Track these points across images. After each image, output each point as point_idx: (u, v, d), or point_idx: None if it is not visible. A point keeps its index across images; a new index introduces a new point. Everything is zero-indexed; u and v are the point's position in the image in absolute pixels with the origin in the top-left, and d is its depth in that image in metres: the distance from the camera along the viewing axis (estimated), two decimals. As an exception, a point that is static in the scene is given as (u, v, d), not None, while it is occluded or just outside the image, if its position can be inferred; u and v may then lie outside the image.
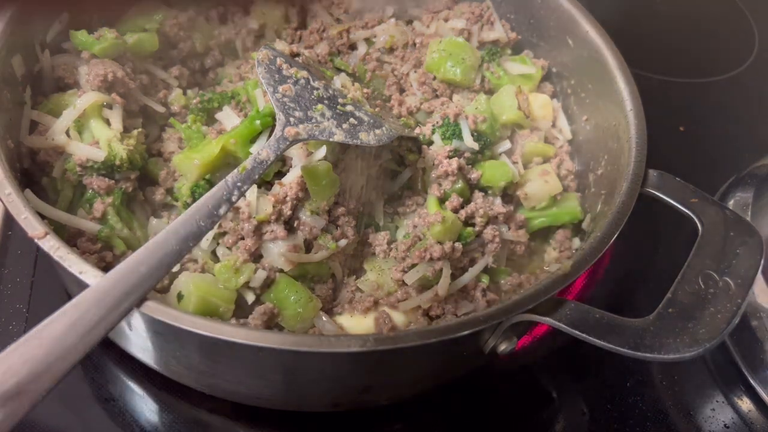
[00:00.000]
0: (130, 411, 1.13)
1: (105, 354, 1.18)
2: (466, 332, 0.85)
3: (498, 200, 1.23)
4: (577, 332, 0.91)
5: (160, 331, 0.91)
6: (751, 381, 1.26)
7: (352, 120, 1.10)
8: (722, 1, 2.10)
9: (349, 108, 1.12)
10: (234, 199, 0.95)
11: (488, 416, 1.19)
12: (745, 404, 1.26)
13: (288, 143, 1.02)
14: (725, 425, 1.23)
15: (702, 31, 1.93)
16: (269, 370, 0.93)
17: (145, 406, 1.13)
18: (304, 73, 1.12)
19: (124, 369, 1.16)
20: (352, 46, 1.39)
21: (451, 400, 1.19)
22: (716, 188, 1.54)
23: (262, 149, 1.00)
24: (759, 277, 1.06)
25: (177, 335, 0.89)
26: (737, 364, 1.26)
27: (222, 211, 0.93)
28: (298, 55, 1.21)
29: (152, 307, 0.83)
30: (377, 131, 1.11)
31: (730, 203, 1.44)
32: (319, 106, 1.09)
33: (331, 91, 1.13)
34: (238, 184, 0.96)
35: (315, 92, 1.11)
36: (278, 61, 1.11)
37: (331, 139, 1.05)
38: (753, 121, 1.79)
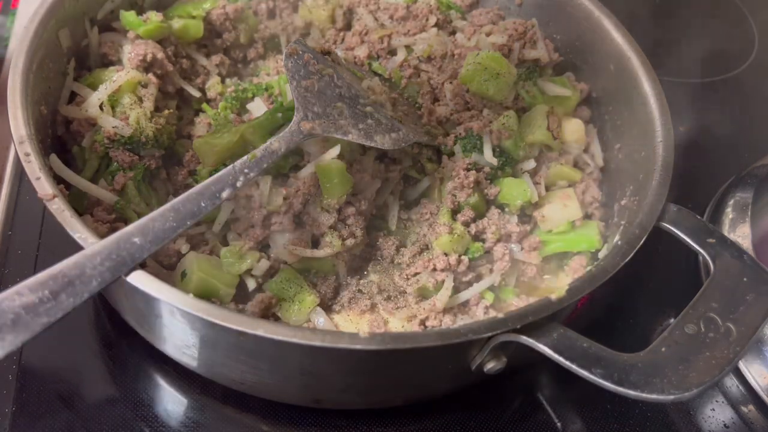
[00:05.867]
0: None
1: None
2: (440, 343, 0.84)
3: (514, 219, 1.21)
4: (561, 359, 0.88)
5: (148, 302, 0.93)
6: (751, 381, 1.23)
7: (369, 121, 1.11)
8: (722, 1, 2.06)
9: (368, 109, 1.12)
10: (239, 184, 0.97)
11: (482, 417, 1.18)
12: (745, 404, 1.23)
13: (302, 137, 1.04)
14: (725, 425, 1.21)
15: (702, 31, 1.88)
16: (249, 356, 0.94)
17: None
18: (330, 71, 1.13)
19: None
20: (392, 52, 1.39)
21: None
22: (716, 188, 1.50)
23: (275, 140, 1.02)
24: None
25: (161, 308, 0.92)
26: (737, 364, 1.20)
27: (225, 194, 0.95)
28: (328, 53, 1.22)
29: (138, 278, 0.85)
30: (393, 135, 1.11)
31: (730, 203, 1.39)
32: (339, 104, 1.10)
33: (353, 91, 1.14)
34: (245, 170, 0.98)
35: (337, 90, 1.12)
36: (306, 56, 1.13)
37: (345, 138, 1.06)
38: (753, 121, 1.76)
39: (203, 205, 0.93)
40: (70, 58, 1.21)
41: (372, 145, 1.08)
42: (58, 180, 1.02)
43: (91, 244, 0.87)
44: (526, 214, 1.24)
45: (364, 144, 1.08)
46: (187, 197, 0.93)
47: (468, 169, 1.18)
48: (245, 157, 0.99)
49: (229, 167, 0.97)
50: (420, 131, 1.21)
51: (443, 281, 1.11)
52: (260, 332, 0.83)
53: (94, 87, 1.19)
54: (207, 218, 1.12)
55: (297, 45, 1.15)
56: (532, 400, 1.21)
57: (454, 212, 1.17)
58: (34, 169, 0.94)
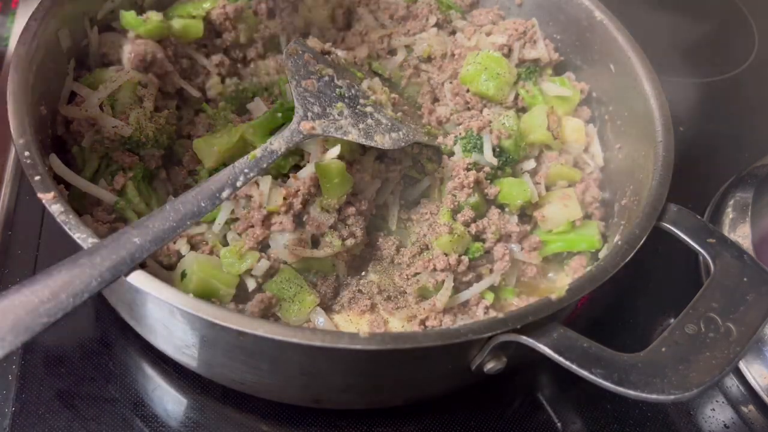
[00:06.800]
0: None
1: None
2: (440, 343, 0.84)
3: (514, 219, 1.21)
4: (561, 359, 0.88)
5: (148, 302, 0.94)
6: (751, 381, 1.24)
7: (369, 121, 1.11)
8: (722, 1, 2.06)
9: (368, 109, 1.13)
10: (239, 184, 0.97)
11: (482, 417, 1.18)
12: (745, 404, 1.23)
13: (302, 137, 1.04)
14: (725, 425, 1.21)
15: (702, 31, 1.90)
16: (249, 356, 0.94)
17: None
18: (330, 71, 1.14)
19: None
20: (392, 52, 1.40)
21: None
22: (716, 188, 1.51)
23: (275, 139, 1.02)
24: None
25: (161, 308, 0.92)
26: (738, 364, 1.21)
27: (225, 194, 0.96)
28: (328, 53, 1.23)
29: (138, 278, 0.85)
30: (393, 135, 1.11)
31: (730, 203, 1.40)
32: (339, 104, 1.10)
33: (353, 91, 1.14)
34: (245, 170, 0.98)
35: (337, 90, 1.12)
36: (306, 56, 1.13)
37: (345, 138, 1.07)
38: (753, 121, 1.76)
39: (203, 205, 0.94)
40: (70, 58, 1.20)
41: (372, 145, 1.08)
42: (58, 180, 1.02)
43: (91, 244, 0.87)
44: (526, 214, 1.24)
45: (364, 144, 1.08)
46: (187, 197, 0.93)
47: (468, 169, 1.18)
48: (245, 157, 0.99)
49: (229, 167, 0.98)
50: (420, 131, 1.21)
51: (443, 281, 1.11)
52: (260, 332, 0.83)
53: (94, 87, 1.18)
54: (207, 218, 1.12)
55: (297, 45, 1.15)
56: (532, 400, 1.21)
57: (454, 212, 1.17)
58: (34, 169, 0.94)
